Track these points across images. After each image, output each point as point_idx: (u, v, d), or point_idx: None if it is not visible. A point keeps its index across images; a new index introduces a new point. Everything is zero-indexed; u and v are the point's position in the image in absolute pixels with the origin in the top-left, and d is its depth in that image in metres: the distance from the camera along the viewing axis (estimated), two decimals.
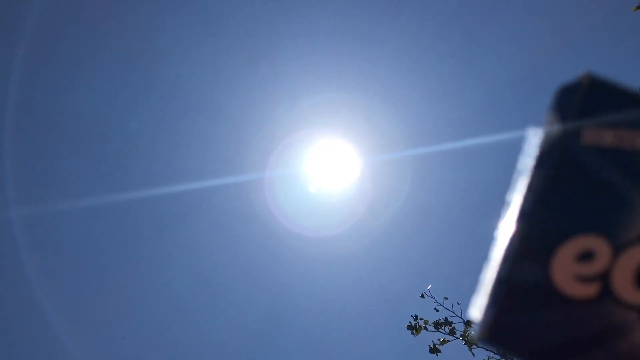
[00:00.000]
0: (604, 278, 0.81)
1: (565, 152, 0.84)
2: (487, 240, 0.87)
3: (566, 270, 0.81)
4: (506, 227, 0.84)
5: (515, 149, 0.91)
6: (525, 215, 0.83)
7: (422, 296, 8.65)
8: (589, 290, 0.81)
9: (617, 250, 0.81)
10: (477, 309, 0.83)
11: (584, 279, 0.81)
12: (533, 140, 0.86)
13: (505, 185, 0.88)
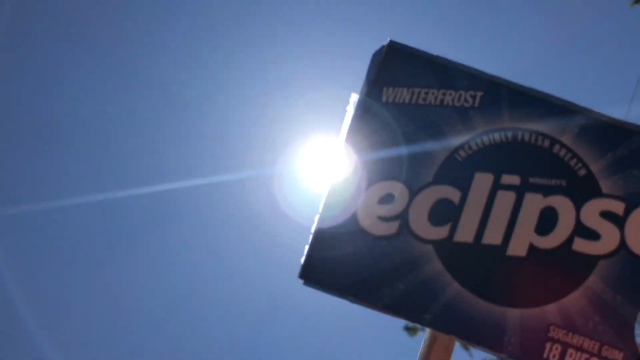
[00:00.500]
0: (403, 217, 0.93)
1: (367, 109, 0.96)
2: None
3: (370, 212, 0.93)
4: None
5: None
6: (340, 166, 0.95)
7: None
8: (390, 228, 0.92)
9: (413, 192, 0.93)
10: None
11: (386, 219, 0.93)
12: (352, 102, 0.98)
13: None
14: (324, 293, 0.93)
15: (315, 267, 0.92)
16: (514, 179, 0.93)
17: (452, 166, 0.93)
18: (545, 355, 0.89)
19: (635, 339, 0.90)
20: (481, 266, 0.91)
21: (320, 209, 0.94)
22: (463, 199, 0.92)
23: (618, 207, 0.92)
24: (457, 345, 0.96)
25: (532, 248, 0.91)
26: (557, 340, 0.89)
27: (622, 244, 0.91)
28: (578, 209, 0.92)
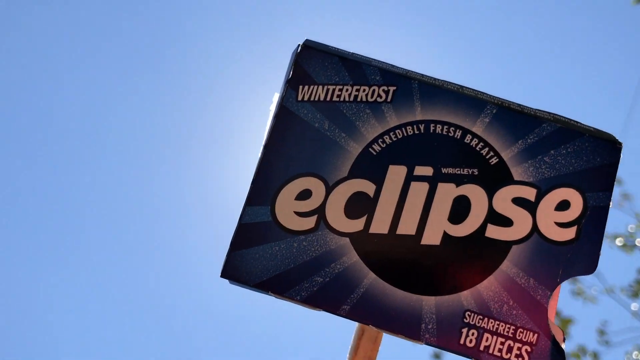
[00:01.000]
0: (320, 211, 0.94)
1: (283, 108, 0.97)
2: None
3: (287, 208, 0.95)
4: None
5: None
6: (258, 164, 0.97)
7: None
8: (308, 223, 0.94)
9: (330, 187, 0.95)
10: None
11: (303, 214, 0.94)
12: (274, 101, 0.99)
13: None
14: (248, 290, 0.95)
15: (236, 265, 0.93)
16: (427, 170, 0.95)
17: (367, 160, 0.95)
18: (461, 341, 0.91)
19: (551, 320, 0.93)
20: (397, 256, 0.93)
21: (242, 207, 0.95)
22: (378, 192, 0.94)
23: (530, 193, 0.95)
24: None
25: (446, 236, 0.93)
26: (473, 326, 0.91)
27: (534, 229, 0.94)
28: (490, 197, 0.94)
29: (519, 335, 0.91)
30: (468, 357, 0.91)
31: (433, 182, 0.95)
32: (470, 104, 0.97)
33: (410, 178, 0.95)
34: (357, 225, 0.94)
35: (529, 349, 0.91)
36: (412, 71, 0.99)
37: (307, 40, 1.00)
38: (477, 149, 0.96)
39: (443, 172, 0.95)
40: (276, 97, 0.99)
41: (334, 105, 0.97)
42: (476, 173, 0.95)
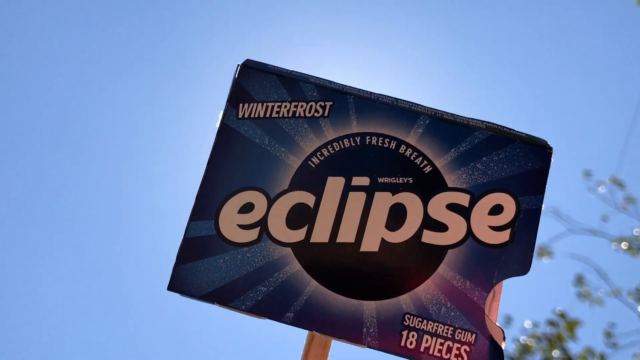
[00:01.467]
0: (263, 224, 0.98)
1: (224, 125, 1.01)
2: None
3: (231, 222, 0.98)
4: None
5: None
6: (202, 180, 1.01)
7: None
8: (251, 236, 0.98)
9: (271, 200, 0.99)
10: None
11: (246, 227, 0.98)
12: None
13: None
14: (195, 301, 0.98)
15: (182, 279, 0.97)
16: (364, 180, 0.99)
17: (306, 173, 0.99)
18: (402, 343, 0.95)
19: (489, 320, 0.96)
20: (337, 264, 0.96)
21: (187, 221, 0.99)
22: (317, 203, 0.98)
23: (463, 199, 0.98)
24: None
25: (384, 243, 0.97)
26: (413, 328, 0.95)
27: (469, 233, 0.97)
28: (425, 204, 0.98)
29: (458, 336, 0.95)
30: (409, 358, 0.95)
31: (370, 192, 0.99)
32: (404, 116, 1.01)
33: (348, 188, 0.99)
34: (299, 235, 0.98)
35: (467, 349, 0.95)
36: (347, 86, 1.03)
37: (247, 60, 1.04)
38: (412, 158, 1.00)
39: (379, 181, 0.99)
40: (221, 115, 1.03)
41: (273, 122, 1.01)
42: (411, 181, 0.99)
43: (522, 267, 0.97)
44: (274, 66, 1.04)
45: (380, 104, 1.02)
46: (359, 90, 1.03)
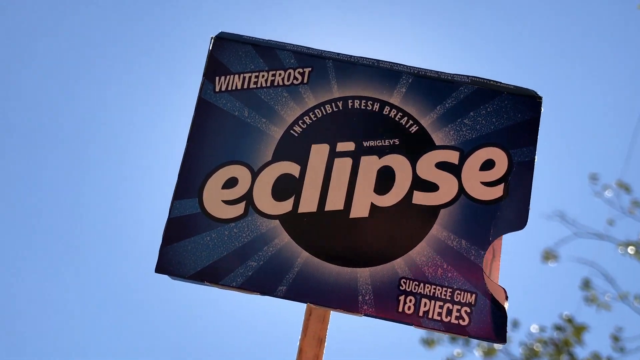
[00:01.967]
0: (248, 198, 0.95)
1: (202, 100, 0.98)
2: None
3: (215, 198, 0.95)
4: None
5: None
6: (183, 158, 0.97)
7: None
8: (237, 210, 0.95)
9: (255, 173, 0.96)
10: None
11: (231, 202, 0.95)
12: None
13: None
14: (184, 282, 0.95)
15: (169, 259, 0.94)
16: (348, 146, 0.96)
17: (289, 142, 0.96)
18: (400, 309, 0.91)
19: (488, 279, 0.93)
20: (327, 232, 0.93)
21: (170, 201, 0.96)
22: (303, 172, 0.95)
23: (452, 157, 0.95)
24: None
25: (374, 208, 0.94)
26: (410, 292, 0.92)
27: (461, 191, 0.94)
28: (414, 164, 0.95)
29: (457, 297, 0.92)
30: (408, 324, 0.91)
31: (356, 157, 0.95)
32: (386, 77, 0.98)
33: (333, 155, 0.96)
34: (286, 206, 0.94)
35: (468, 310, 0.91)
36: (326, 51, 1.00)
37: (221, 32, 1.01)
38: (396, 119, 0.97)
39: (365, 145, 0.96)
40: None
41: (251, 92, 0.98)
42: (397, 143, 0.96)
43: (519, 222, 0.94)
44: (249, 36, 1.01)
45: (360, 66, 0.99)
46: (338, 54, 1.00)
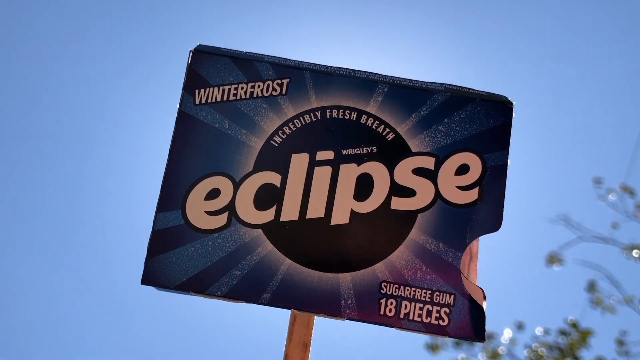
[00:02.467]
0: (230, 208, 0.97)
1: (182, 113, 1.01)
2: None
3: (198, 209, 0.97)
4: None
5: None
6: (165, 170, 1.00)
7: None
8: (220, 221, 0.97)
9: (237, 183, 0.98)
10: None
11: (214, 213, 0.97)
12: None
13: None
14: (170, 293, 0.97)
15: (154, 271, 0.96)
16: (328, 154, 0.98)
17: (270, 152, 0.99)
18: (381, 312, 0.94)
19: (466, 280, 0.95)
20: (309, 240, 0.96)
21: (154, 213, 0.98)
22: (284, 181, 0.97)
23: (428, 162, 0.98)
24: None
25: (353, 214, 0.96)
26: (391, 295, 0.94)
27: (437, 195, 0.97)
28: (391, 171, 0.98)
29: (436, 299, 0.94)
30: (390, 326, 0.94)
31: (335, 165, 0.98)
32: (362, 86, 1.01)
33: (313, 164, 0.98)
34: (268, 215, 0.97)
35: (447, 310, 0.94)
36: (303, 62, 1.03)
37: (199, 45, 1.04)
38: (373, 127, 0.99)
39: (343, 153, 0.98)
40: None
41: (231, 104, 1.00)
42: (375, 150, 0.98)
43: (494, 224, 0.97)
44: (227, 49, 1.04)
45: (337, 77, 1.01)
46: (316, 65, 1.02)
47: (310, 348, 1.00)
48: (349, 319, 0.94)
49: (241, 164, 0.98)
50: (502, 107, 1.00)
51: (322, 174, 0.98)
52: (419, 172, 0.98)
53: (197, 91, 1.01)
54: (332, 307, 0.94)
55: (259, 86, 1.01)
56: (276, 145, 0.99)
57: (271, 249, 0.96)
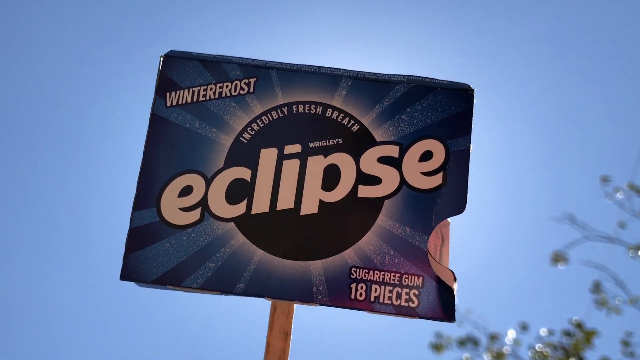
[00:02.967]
0: (203, 203, 1.01)
1: (154, 116, 1.05)
2: None
3: (172, 206, 1.01)
4: None
5: None
6: (140, 171, 1.03)
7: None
8: (193, 217, 1.01)
9: (209, 180, 1.02)
10: None
11: (187, 209, 1.01)
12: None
13: None
14: (149, 288, 1.00)
15: (132, 267, 0.99)
16: (295, 148, 1.02)
17: (239, 149, 1.02)
18: (352, 296, 0.97)
19: (435, 262, 0.98)
20: (280, 230, 0.99)
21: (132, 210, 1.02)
22: (254, 176, 1.01)
23: (393, 151, 1.01)
24: None
25: (322, 204, 1.00)
26: (361, 280, 0.97)
27: (403, 182, 1.00)
28: (357, 161, 1.01)
29: (405, 281, 0.97)
30: (361, 310, 0.97)
31: (303, 158, 1.02)
32: (326, 81, 1.04)
33: (281, 157, 1.02)
34: (240, 209, 1.00)
35: (417, 292, 0.97)
36: (270, 61, 1.06)
37: (170, 50, 1.08)
38: (339, 120, 1.03)
39: (311, 146, 1.02)
40: None
41: (201, 105, 1.04)
42: (341, 142, 1.02)
43: (458, 206, 1.00)
44: (197, 53, 1.08)
45: (302, 73, 1.05)
46: (282, 63, 1.06)
47: (291, 337, 1.03)
48: (321, 304, 0.97)
49: (212, 161, 1.02)
50: (463, 95, 1.04)
51: (291, 167, 1.01)
52: (384, 160, 1.01)
53: (168, 94, 1.05)
54: (304, 293, 0.97)
55: (227, 86, 1.05)
56: (245, 141, 1.02)
57: (244, 240, 0.99)
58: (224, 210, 1.00)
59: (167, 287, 0.99)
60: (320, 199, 1.00)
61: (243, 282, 0.98)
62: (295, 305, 1.01)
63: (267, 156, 1.02)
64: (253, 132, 1.03)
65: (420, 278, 0.97)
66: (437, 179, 1.01)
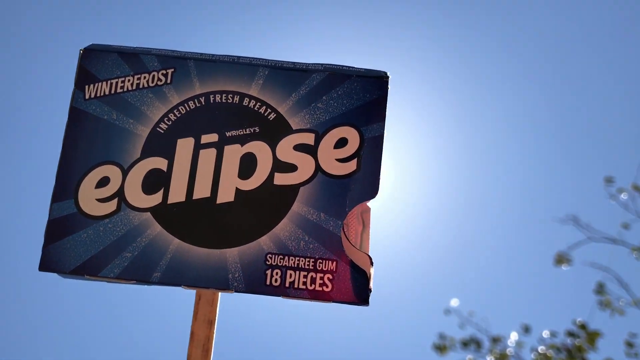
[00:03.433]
0: (120, 194, 1.02)
1: (73, 108, 1.05)
2: None
3: (89, 197, 1.01)
4: None
5: None
6: (59, 163, 1.04)
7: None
8: (110, 207, 1.01)
9: (125, 170, 1.02)
10: None
11: (104, 200, 1.02)
12: None
13: None
14: (67, 279, 1.01)
15: (51, 258, 1.00)
16: (212, 137, 1.03)
17: (156, 139, 1.03)
18: (267, 282, 0.97)
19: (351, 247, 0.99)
20: (196, 219, 1.00)
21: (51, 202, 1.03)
22: (170, 166, 1.02)
23: (309, 138, 1.02)
24: None
25: (238, 192, 1.01)
26: (276, 266, 0.98)
27: (318, 169, 1.01)
28: (274, 149, 1.02)
29: (319, 266, 0.98)
30: (276, 295, 0.97)
31: (220, 147, 1.02)
32: (244, 71, 1.05)
33: (198, 147, 1.02)
34: (156, 199, 1.01)
35: (330, 277, 0.98)
36: (189, 52, 1.07)
37: (91, 44, 1.09)
38: (255, 108, 1.03)
39: (227, 135, 1.02)
40: None
41: (118, 97, 1.05)
42: (258, 130, 1.03)
43: (371, 191, 1.01)
44: (118, 46, 1.08)
45: (220, 63, 1.06)
46: (201, 54, 1.07)
47: (216, 325, 1.04)
48: (236, 291, 0.98)
49: (129, 152, 1.03)
50: (378, 82, 1.04)
51: (207, 156, 1.02)
52: (300, 148, 1.02)
53: (87, 87, 1.06)
54: (220, 281, 0.98)
55: (144, 77, 1.05)
56: (162, 131, 1.03)
57: (160, 230, 1.00)
58: (140, 200, 1.01)
59: (85, 278, 0.99)
60: (236, 187, 1.01)
61: (159, 271, 0.98)
62: (220, 293, 1.02)
63: (184, 146, 1.03)
64: (170, 123, 1.04)
65: (334, 262, 0.98)
66: (352, 165, 1.01)
